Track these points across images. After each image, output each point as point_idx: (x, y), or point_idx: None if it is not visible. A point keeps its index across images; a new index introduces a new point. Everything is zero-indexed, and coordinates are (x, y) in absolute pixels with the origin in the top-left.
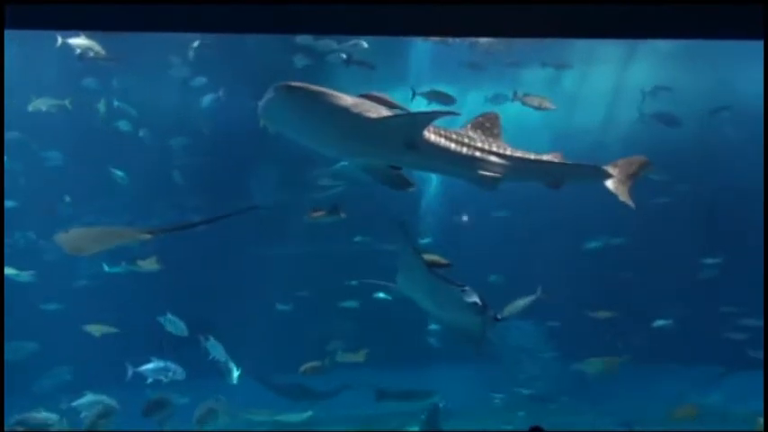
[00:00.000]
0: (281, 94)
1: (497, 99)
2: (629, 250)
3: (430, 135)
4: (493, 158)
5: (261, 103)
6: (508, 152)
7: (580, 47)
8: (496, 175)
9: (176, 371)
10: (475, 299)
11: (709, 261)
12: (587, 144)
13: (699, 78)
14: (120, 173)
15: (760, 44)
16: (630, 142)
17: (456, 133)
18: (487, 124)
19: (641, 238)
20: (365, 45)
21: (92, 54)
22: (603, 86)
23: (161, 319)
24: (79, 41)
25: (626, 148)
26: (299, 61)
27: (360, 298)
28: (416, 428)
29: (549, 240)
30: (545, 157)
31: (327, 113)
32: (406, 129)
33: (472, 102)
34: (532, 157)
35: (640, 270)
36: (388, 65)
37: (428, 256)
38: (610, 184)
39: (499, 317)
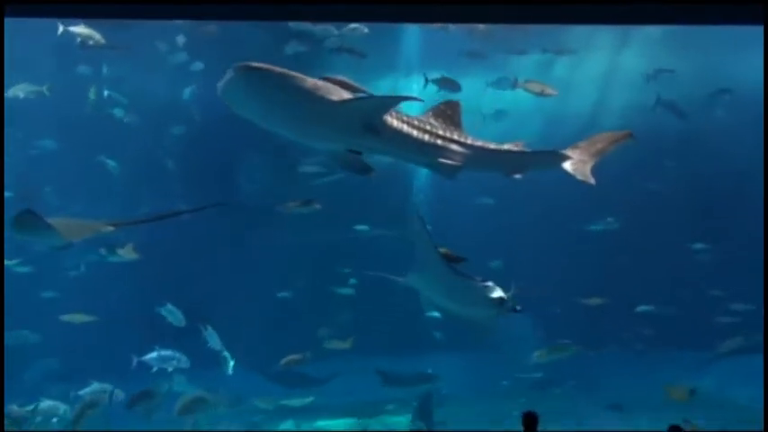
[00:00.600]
0: (240, 75)
1: (500, 84)
2: (621, 236)
3: (392, 120)
4: (454, 147)
5: (220, 84)
6: (469, 141)
7: (574, 34)
8: (457, 163)
9: (180, 359)
10: (499, 293)
11: (701, 246)
12: (579, 128)
13: (690, 64)
14: (111, 162)
15: (752, 30)
16: (622, 127)
17: (418, 120)
18: (449, 112)
19: (633, 224)
20: (365, 30)
21: (91, 42)
22: (595, 72)
23: (161, 309)
24: (79, 30)
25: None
26: (291, 48)
27: (356, 286)
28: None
29: (540, 227)
30: (505, 147)
31: (287, 95)
32: (367, 112)
33: (465, 87)
34: (492, 146)
35: (632, 256)
36: (380, 52)
37: (442, 251)
38: (568, 166)
39: (518, 308)
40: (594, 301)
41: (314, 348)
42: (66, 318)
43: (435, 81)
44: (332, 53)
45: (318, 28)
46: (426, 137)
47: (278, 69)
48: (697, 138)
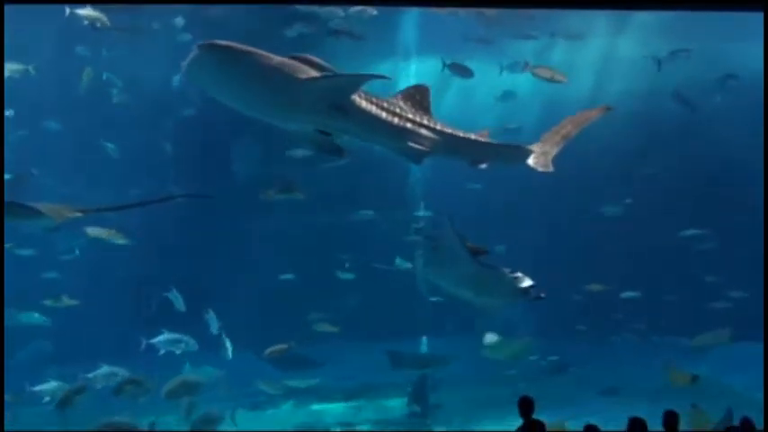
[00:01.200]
0: (204, 53)
1: (511, 68)
2: (617, 221)
3: (361, 101)
4: (423, 132)
5: (185, 63)
6: (438, 127)
7: (573, 19)
8: (425, 149)
9: (188, 342)
10: (528, 282)
11: (697, 233)
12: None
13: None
14: (109, 144)
15: (748, 18)
16: (618, 112)
17: (388, 102)
18: (417, 96)
19: (630, 209)
20: (373, 12)
21: (99, 24)
22: (593, 57)
23: (168, 294)
24: (86, 12)
25: (612, 117)
26: (291, 32)
27: (355, 270)
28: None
29: (538, 212)
30: (472, 136)
31: (252, 73)
32: (334, 91)
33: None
34: (461, 134)
35: (628, 242)
36: (380, 35)
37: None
38: (530, 161)
39: (542, 295)
40: (593, 287)
41: (312, 332)
42: (48, 302)
43: (449, 66)
44: (331, 36)
45: (324, 10)
46: (396, 119)
47: (243, 47)
48: (696, 124)
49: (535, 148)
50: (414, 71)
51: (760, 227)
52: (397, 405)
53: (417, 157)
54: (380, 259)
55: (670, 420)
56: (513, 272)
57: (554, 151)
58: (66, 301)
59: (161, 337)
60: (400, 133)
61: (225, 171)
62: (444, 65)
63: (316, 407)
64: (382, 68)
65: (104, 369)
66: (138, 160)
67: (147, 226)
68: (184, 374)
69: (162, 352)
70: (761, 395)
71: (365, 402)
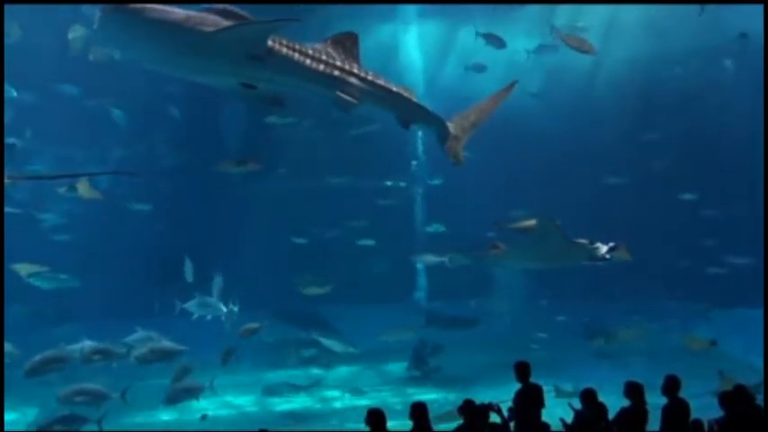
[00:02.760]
0: (106, 15)
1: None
2: (619, 188)
3: (281, 49)
4: (353, 81)
5: (94, 27)
6: (369, 77)
7: None
8: (353, 99)
9: (216, 307)
10: (605, 248)
11: (695, 197)
12: (579, 81)
13: (687, 17)
14: (114, 110)
15: None
16: (620, 81)
17: (312, 49)
18: (348, 43)
19: (632, 176)
20: None
21: None
22: (594, 24)
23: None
24: None
25: (614, 85)
26: None
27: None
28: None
29: (541, 177)
30: (405, 93)
31: (157, 29)
32: (245, 40)
33: (464, 37)
34: (394, 88)
35: (627, 208)
36: None
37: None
38: (447, 146)
39: (608, 256)
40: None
41: (314, 296)
42: (16, 267)
43: (483, 35)
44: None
45: None
46: (322, 66)
47: (143, 5)
48: (695, 90)
49: (451, 127)
50: (415, 34)
51: (758, 194)
52: (396, 369)
53: (346, 106)
54: (382, 223)
55: (671, 385)
56: (592, 242)
57: (464, 139)
58: (28, 267)
59: (192, 302)
60: (328, 81)
61: (215, 135)
62: (477, 34)
63: (312, 372)
64: (383, 31)
65: (140, 333)
66: (129, 123)
67: (141, 192)
68: (162, 340)
69: (195, 316)
70: (756, 359)
71: (367, 365)
